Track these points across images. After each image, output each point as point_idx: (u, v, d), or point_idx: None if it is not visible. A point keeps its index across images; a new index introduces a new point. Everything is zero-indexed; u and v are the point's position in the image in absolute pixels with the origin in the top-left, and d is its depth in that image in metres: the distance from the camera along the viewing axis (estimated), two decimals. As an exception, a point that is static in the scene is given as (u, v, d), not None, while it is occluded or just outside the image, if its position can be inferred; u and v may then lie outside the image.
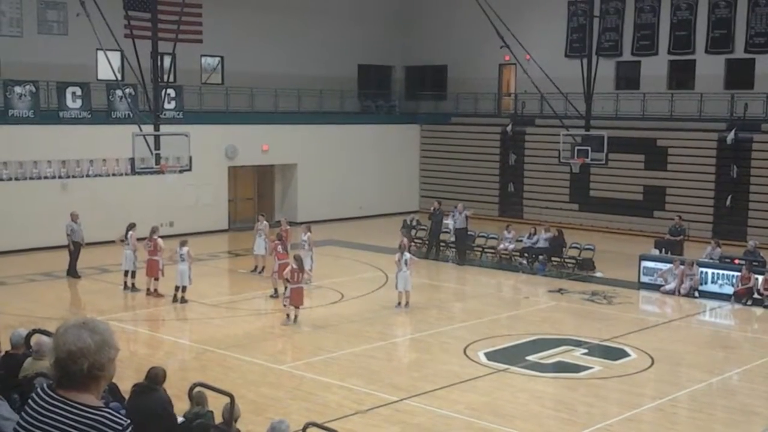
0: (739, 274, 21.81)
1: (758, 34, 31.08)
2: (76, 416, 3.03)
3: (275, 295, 21.37)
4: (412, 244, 27.38)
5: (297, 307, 19.11)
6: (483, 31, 28.74)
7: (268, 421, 9.95)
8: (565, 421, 13.50)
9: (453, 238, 27.31)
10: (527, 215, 34.76)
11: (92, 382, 3.08)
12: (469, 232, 27.27)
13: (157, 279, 21.42)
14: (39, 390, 3.15)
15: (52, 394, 3.10)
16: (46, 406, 3.08)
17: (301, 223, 26.53)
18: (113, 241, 23.19)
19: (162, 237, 21.92)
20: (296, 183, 34.88)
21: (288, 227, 23.39)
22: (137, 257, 21.93)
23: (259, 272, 24.30)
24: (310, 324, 19.33)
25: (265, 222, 24.88)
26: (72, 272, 23.57)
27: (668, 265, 22.96)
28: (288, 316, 19.18)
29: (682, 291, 22.21)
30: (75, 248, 23.50)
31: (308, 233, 23.23)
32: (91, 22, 22.90)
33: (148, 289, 21.53)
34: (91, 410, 3.04)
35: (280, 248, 21.83)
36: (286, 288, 19.38)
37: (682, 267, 22.52)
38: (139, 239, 22.11)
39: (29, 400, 3.16)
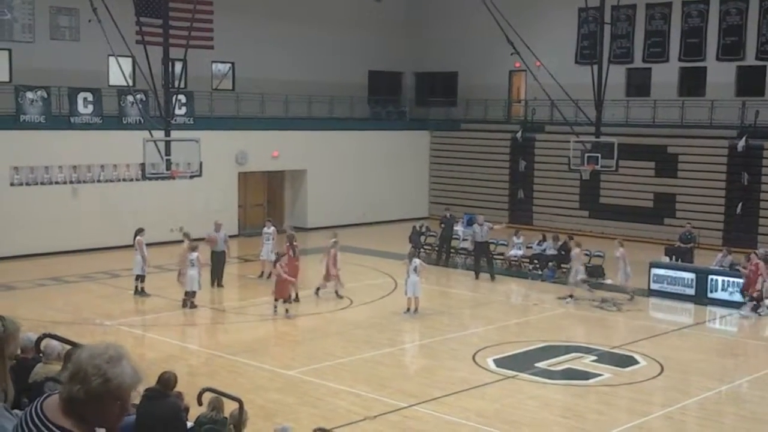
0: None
1: (769, 41, 31.01)
2: None
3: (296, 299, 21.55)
4: (422, 250, 27.39)
5: (277, 299, 20.12)
6: (493, 37, 28.68)
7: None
8: (574, 429, 13.47)
9: (471, 247, 26.27)
10: (537, 222, 34.71)
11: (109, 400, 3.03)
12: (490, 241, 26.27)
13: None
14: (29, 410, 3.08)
15: (40, 414, 3.00)
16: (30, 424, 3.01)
17: (310, 229, 26.46)
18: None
19: (171, 243, 21.95)
20: (306, 189, 34.92)
21: (296, 242, 22.15)
22: (146, 261, 21.99)
23: (267, 277, 24.29)
24: (319, 330, 19.35)
25: (273, 227, 24.86)
26: (218, 281, 23.36)
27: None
28: (275, 308, 20.21)
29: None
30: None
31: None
32: (102, 28, 22.99)
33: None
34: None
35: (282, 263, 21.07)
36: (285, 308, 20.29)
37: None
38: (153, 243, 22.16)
39: (20, 421, 3.08)
